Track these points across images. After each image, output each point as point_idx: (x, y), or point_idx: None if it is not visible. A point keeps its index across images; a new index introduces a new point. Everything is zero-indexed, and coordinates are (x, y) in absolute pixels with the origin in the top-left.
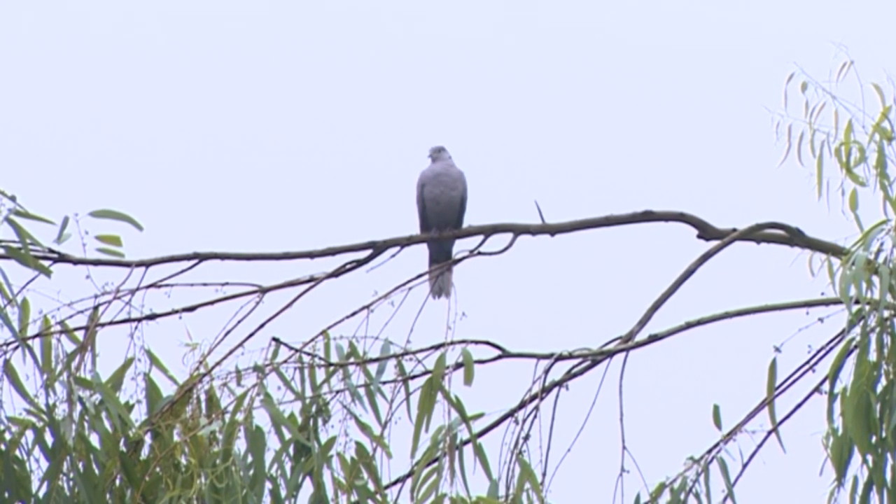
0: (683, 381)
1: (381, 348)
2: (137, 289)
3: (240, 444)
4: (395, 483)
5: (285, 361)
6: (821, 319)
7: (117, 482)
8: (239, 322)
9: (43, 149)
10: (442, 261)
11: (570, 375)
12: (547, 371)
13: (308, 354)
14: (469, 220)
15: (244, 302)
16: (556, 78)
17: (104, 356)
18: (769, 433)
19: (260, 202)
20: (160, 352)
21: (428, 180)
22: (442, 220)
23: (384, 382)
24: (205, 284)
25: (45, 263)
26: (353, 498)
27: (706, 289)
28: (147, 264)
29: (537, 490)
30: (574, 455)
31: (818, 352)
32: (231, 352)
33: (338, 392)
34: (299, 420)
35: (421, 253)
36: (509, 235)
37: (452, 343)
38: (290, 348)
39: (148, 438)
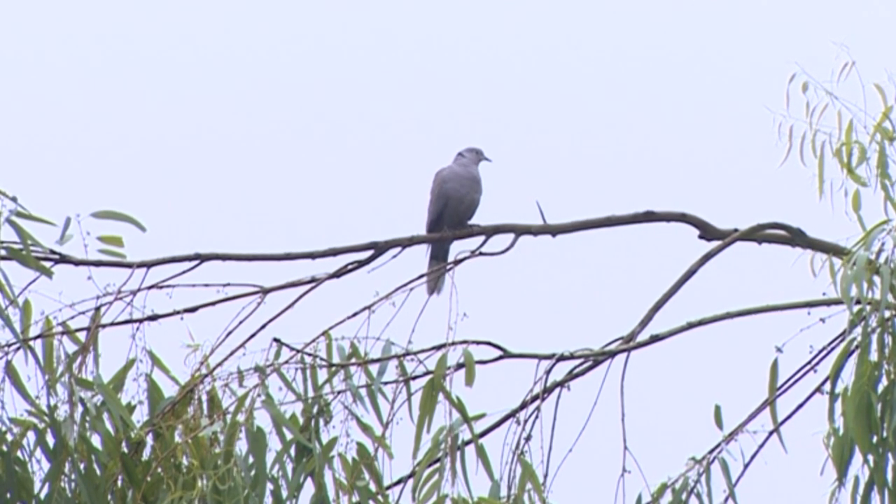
0: (685, 381)
1: (382, 349)
2: (139, 290)
3: (241, 445)
4: (396, 484)
5: (287, 362)
6: (822, 320)
7: (119, 483)
8: (240, 323)
9: (44, 150)
10: (442, 258)
11: (572, 376)
12: (548, 371)
13: (309, 355)
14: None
15: (246, 303)
16: (556, 77)
17: (106, 357)
18: (770, 433)
19: (261, 203)
20: (162, 353)
21: (453, 178)
22: (457, 220)
23: (385, 383)
24: (206, 285)
25: (47, 264)
26: (355, 498)
27: (708, 289)
28: (148, 265)
29: (539, 490)
30: (576, 455)
31: (819, 352)
32: (232, 352)
33: (339, 393)
34: (301, 421)
35: (422, 253)
36: (511, 236)
37: (454, 343)
38: (292, 349)
39: (149, 439)
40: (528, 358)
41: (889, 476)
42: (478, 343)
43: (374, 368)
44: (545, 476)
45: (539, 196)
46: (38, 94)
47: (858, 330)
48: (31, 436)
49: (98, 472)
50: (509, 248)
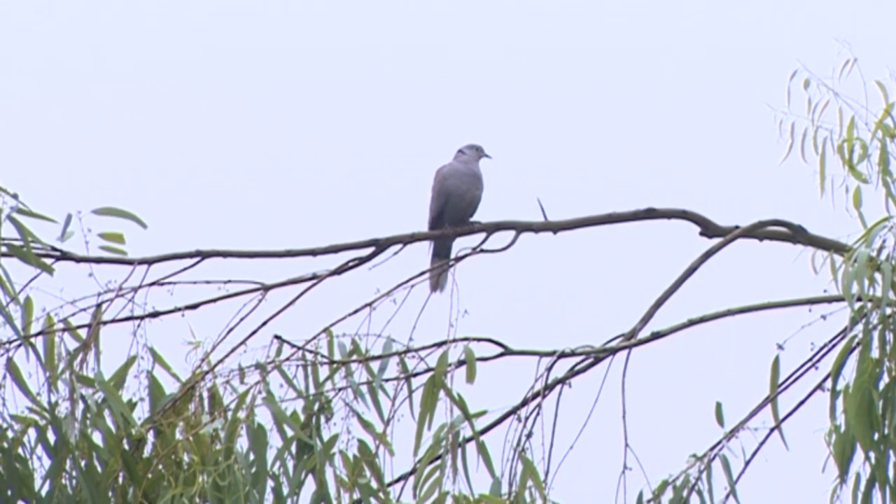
0: (686, 378)
1: (383, 346)
2: (140, 286)
3: (242, 442)
4: (397, 481)
5: (288, 359)
6: (823, 317)
7: (120, 480)
8: (241, 320)
9: (46, 147)
10: (444, 255)
11: (573, 373)
12: (549, 368)
13: (310, 352)
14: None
15: (247, 299)
16: (557, 75)
17: (107, 354)
18: (772, 430)
19: (262, 200)
20: (163, 349)
21: (454, 174)
22: (458, 216)
23: (387, 380)
24: (207, 282)
25: (48, 261)
26: (356, 496)
27: (709, 286)
28: (150, 262)
29: (540, 488)
30: (577, 452)
31: (821, 349)
32: (233, 349)
33: (340, 390)
34: (301, 418)
35: (423, 250)
36: (512, 233)
37: (455, 340)
38: (293, 346)
39: (150, 436)
40: (529, 355)
41: (890, 473)
42: (479, 340)
43: (375, 365)
44: (546, 473)
45: (540, 193)
46: (38, 91)
47: (860, 327)
48: (32, 433)
49: (99, 469)
50: (510, 245)
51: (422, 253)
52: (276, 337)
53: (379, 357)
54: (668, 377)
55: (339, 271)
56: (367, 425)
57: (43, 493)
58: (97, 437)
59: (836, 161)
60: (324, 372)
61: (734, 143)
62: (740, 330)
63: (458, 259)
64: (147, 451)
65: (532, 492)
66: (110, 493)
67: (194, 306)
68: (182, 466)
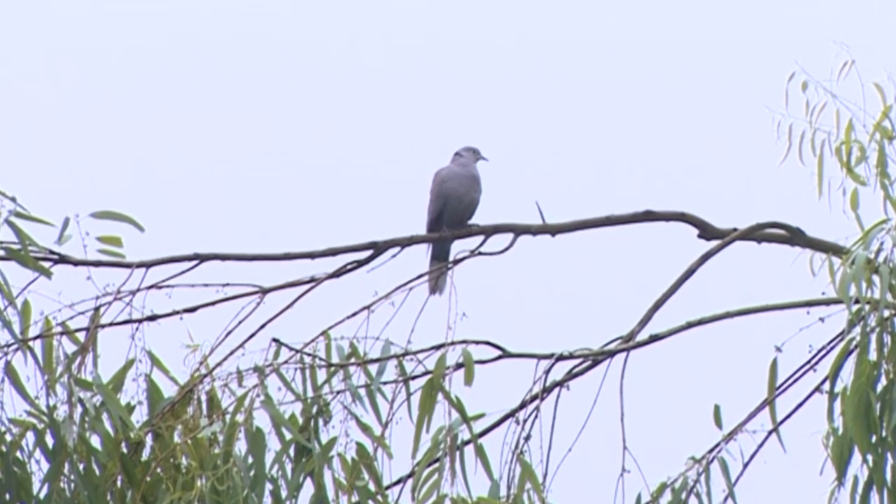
0: (684, 380)
1: (381, 349)
2: (138, 290)
3: (240, 446)
4: (396, 483)
5: (286, 362)
6: (821, 319)
7: (118, 483)
8: (240, 323)
9: (44, 150)
10: (443, 258)
11: (571, 375)
12: (548, 371)
13: (309, 355)
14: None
15: (245, 303)
16: (555, 77)
17: (105, 357)
18: (770, 433)
19: (260, 203)
20: (161, 353)
21: (453, 177)
22: (457, 219)
23: (385, 383)
24: (206, 285)
25: (46, 265)
26: (354, 498)
27: (707, 288)
28: (148, 265)
29: (538, 490)
30: (575, 455)
31: (819, 351)
32: (232, 352)
33: (338, 392)
34: (300, 421)
35: (421, 253)
36: (510, 235)
37: (453, 343)
38: (291, 349)
39: (149, 440)
40: (527, 357)
41: (888, 475)
42: (477, 343)
43: (373, 368)
44: (544, 476)
45: (538, 196)
46: (37, 94)
47: (857, 329)
48: (30, 436)
49: (97, 472)
50: (508, 248)
51: (420, 256)
52: (275, 340)
53: (377, 360)
54: (667, 380)
55: (337, 274)
56: (365, 428)
57: (41, 496)
58: (95, 441)
59: (833, 163)
60: (322, 375)
61: (732, 145)
62: (738, 332)
63: (457, 262)
64: (145, 454)
65: (530, 494)
66: (109, 497)
67: (192, 309)
68: (180, 470)
